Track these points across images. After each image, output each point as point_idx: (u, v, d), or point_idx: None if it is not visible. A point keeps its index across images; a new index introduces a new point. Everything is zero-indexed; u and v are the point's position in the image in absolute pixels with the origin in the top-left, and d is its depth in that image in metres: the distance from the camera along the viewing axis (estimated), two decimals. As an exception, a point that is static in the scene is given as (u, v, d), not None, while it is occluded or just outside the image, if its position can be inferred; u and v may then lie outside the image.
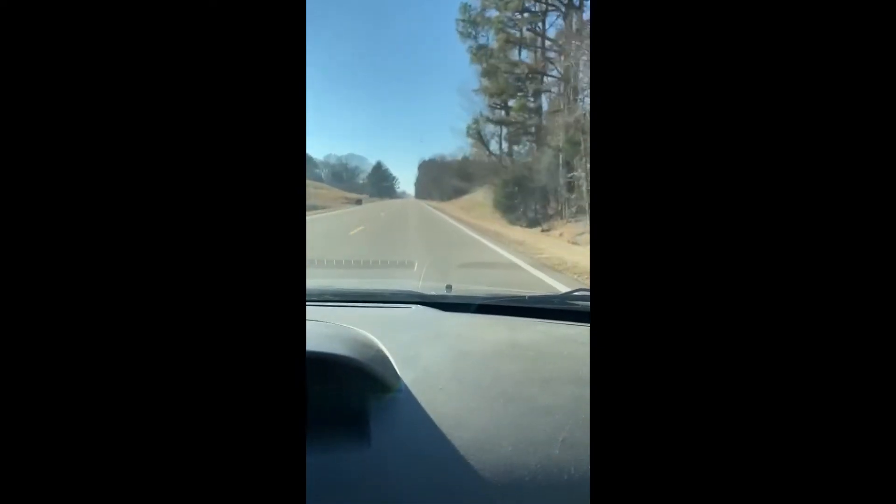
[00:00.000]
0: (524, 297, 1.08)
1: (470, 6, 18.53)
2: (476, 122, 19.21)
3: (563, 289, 1.36)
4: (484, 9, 17.89)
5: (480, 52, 18.45)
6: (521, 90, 17.58)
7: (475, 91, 18.69)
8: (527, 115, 17.53)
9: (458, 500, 0.47)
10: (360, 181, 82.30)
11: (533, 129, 17.35)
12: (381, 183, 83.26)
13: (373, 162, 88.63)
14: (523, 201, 14.90)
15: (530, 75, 16.88)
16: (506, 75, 17.27)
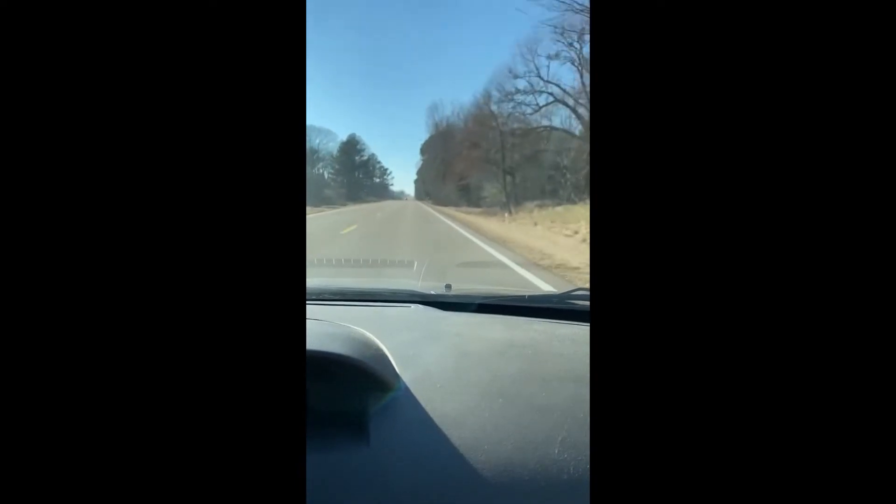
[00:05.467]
0: (523, 296, 1.08)
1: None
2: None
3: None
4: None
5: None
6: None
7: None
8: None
9: (457, 500, 0.47)
10: (325, 170, 44.56)
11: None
12: (355, 174, 46.33)
13: (343, 137, 47.71)
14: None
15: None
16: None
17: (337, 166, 46.84)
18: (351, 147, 48.34)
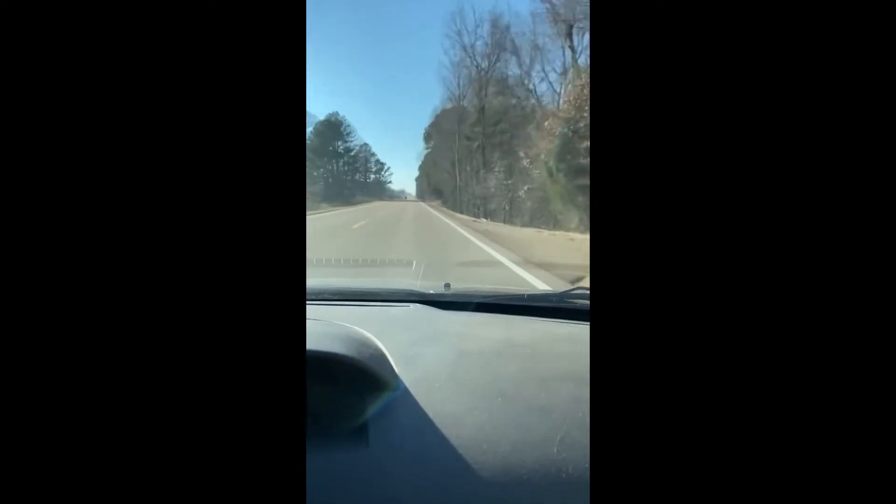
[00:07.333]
0: (522, 295, 1.09)
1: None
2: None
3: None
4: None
5: None
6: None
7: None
8: None
9: (456, 500, 0.47)
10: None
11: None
12: (337, 164, 34.73)
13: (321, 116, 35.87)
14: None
15: None
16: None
17: (310, 155, 34.21)
18: (331, 129, 34.85)
